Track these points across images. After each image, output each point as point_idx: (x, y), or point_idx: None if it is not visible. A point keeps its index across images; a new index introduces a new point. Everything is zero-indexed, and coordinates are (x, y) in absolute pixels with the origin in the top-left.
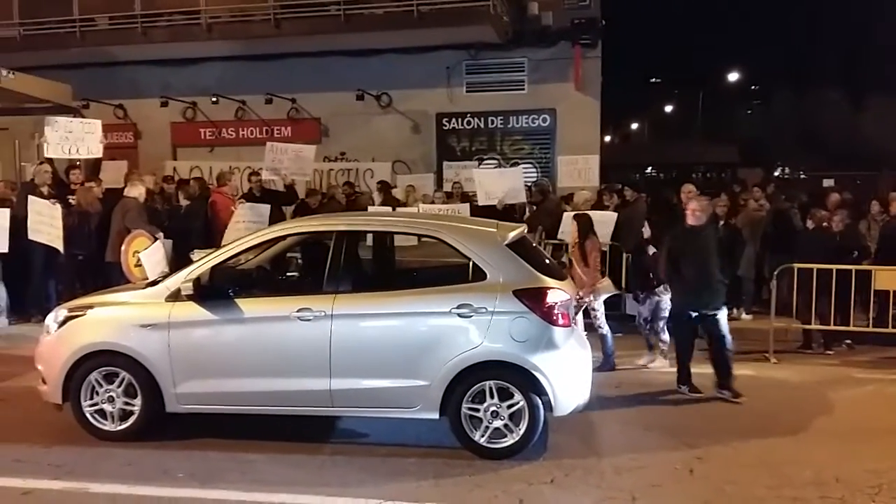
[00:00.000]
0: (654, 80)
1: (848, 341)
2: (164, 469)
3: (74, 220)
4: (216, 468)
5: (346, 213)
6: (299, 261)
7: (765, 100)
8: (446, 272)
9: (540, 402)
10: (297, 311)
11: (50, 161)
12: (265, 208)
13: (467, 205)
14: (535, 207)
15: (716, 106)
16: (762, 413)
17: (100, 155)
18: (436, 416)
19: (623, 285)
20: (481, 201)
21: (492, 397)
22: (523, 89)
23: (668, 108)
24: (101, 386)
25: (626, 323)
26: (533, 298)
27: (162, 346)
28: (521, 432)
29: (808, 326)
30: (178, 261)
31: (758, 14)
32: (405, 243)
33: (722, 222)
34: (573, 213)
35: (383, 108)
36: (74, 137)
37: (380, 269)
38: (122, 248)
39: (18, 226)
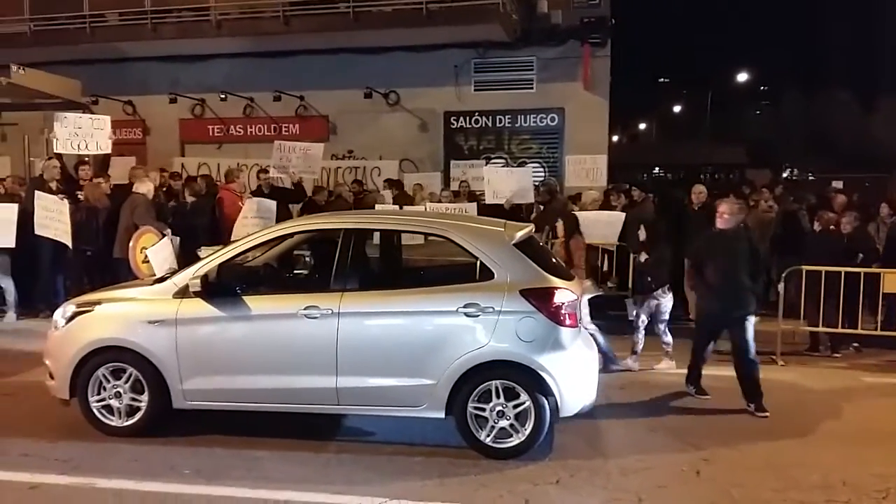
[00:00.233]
0: (662, 79)
1: (855, 344)
2: (171, 465)
3: (82, 215)
4: (222, 465)
5: (354, 211)
6: (307, 258)
7: (773, 101)
8: (453, 271)
9: (546, 402)
10: (305, 309)
11: (59, 156)
12: (273, 203)
13: (475, 204)
14: (542, 207)
15: (724, 106)
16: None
17: (109, 151)
18: (442, 415)
19: (630, 286)
20: (489, 200)
21: (498, 397)
22: (532, 88)
23: (677, 109)
24: (108, 381)
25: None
26: (540, 298)
27: (169, 342)
28: (527, 432)
29: (815, 329)
30: (185, 257)
31: (767, 15)
32: (412, 242)
33: None
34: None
35: (391, 105)
36: (84, 133)
37: (387, 267)
38: (130, 244)
39: (27, 221)
